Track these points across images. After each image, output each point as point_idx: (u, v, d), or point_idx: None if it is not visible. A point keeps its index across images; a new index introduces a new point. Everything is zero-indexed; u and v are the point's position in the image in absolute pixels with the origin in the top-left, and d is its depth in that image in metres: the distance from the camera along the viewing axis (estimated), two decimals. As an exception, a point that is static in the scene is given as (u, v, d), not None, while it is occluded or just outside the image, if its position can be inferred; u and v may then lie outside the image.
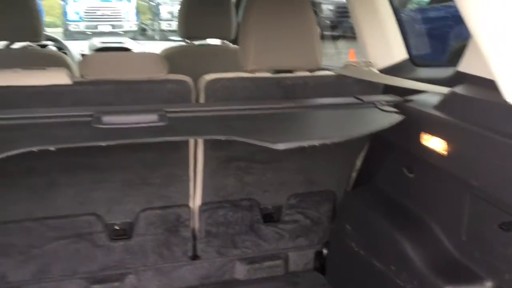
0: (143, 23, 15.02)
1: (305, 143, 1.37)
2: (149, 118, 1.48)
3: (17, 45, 2.83)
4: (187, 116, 1.58)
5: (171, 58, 2.76)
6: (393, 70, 2.04)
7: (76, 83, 1.66)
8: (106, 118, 1.45)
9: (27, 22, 2.54)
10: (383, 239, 1.74)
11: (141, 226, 1.93)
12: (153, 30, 14.27)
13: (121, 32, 13.19)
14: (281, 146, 1.31)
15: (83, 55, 4.08)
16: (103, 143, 1.33)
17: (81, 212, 1.83)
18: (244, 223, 2.05)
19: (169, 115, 1.51)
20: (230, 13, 2.87)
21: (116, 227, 1.93)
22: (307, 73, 1.92)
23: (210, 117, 1.64)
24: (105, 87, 1.68)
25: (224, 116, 1.65)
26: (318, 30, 1.96)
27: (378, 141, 1.94)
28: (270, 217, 2.11)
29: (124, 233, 1.94)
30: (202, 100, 1.79)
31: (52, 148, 1.24)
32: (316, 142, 1.37)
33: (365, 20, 2.12)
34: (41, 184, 1.72)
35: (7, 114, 1.46)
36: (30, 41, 2.83)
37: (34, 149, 1.22)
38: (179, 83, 1.76)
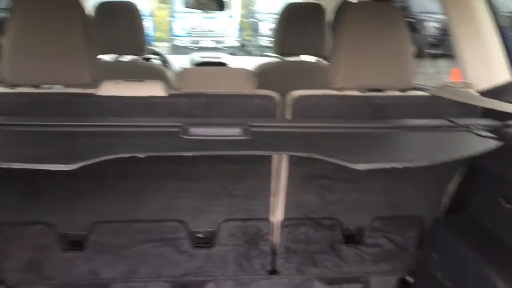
0: (243, 39, 15.53)
1: (387, 165, 1.32)
2: (234, 132, 1.52)
3: (125, 58, 3.08)
4: (271, 131, 1.60)
5: (264, 73, 2.84)
6: (494, 92, 1.90)
7: (170, 95, 1.75)
8: (193, 130, 1.51)
9: (133, 38, 2.76)
10: (472, 273, 1.62)
11: (223, 236, 1.97)
12: (253, 46, 14.68)
13: (223, 48, 13.73)
14: (361, 167, 1.28)
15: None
16: (188, 154, 1.39)
17: (168, 218, 1.92)
18: (325, 242, 2.02)
19: (253, 129, 1.54)
20: (323, 31, 2.88)
21: (199, 235, 1.99)
22: (398, 93, 1.85)
23: (294, 133, 1.64)
24: (197, 99, 1.76)
25: (309, 133, 1.65)
26: (414, 48, 1.89)
27: (474, 167, 1.82)
28: (352, 238, 2.06)
29: (206, 241, 1.99)
30: (288, 116, 1.80)
31: (141, 156, 1.32)
32: (399, 165, 1.32)
33: (465, 38, 2.00)
34: (133, 188, 1.84)
35: (107, 121, 1.58)
36: (135, 55, 3.06)
37: (126, 155, 1.31)
38: (266, 98, 1.78)
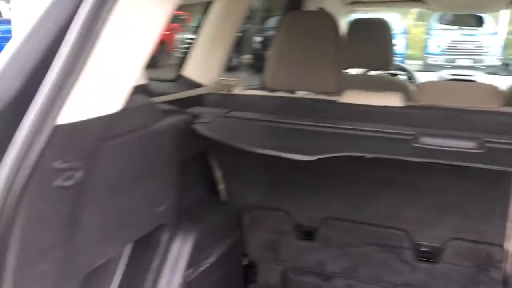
0: (508, 58, 14.03)
1: None
2: (467, 145, 1.49)
3: (372, 72, 3.24)
4: (510, 149, 1.51)
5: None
6: None
7: (407, 107, 1.81)
8: (425, 139, 1.54)
9: (381, 54, 2.89)
10: None
11: (449, 254, 1.92)
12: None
13: (481, 67, 12.70)
14: None
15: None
16: (415, 159, 1.43)
17: (392, 225, 1.97)
18: None
19: (489, 144, 1.48)
20: None
21: (424, 248, 1.98)
22: None
23: None
24: (434, 112, 1.77)
25: None
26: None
27: None
28: None
29: (431, 256, 1.97)
30: None
31: (370, 156, 1.43)
32: None
33: None
34: (362, 191, 1.95)
35: (345, 125, 1.74)
36: (382, 70, 3.18)
37: (357, 154, 1.44)
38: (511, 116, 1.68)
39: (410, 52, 14.70)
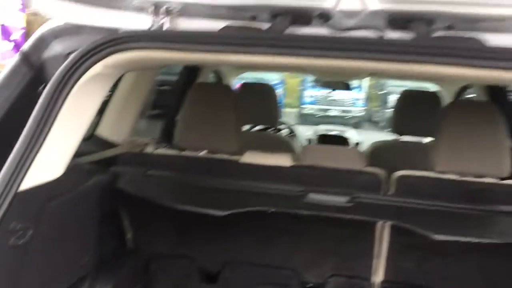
0: (370, 110, 15.83)
1: (464, 239, 1.59)
2: (341, 199, 1.90)
3: (258, 127, 3.66)
4: (374, 203, 1.95)
5: (378, 151, 3.19)
6: None
7: (293, 166, 2.20)
8: (310, 195, 1.93)
9: (268, 113, 3.32)
10: None
11: None
12: (379, 117, 14.90)
13: (349, 117, 14.18)
14: (439, 237, 1.57)
15: (308, 140, 4.84)
16: (304, 212, 1.80)
17: (284, 266, 2.31)
18: None
19: (357, 199, 1.91)
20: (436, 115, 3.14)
21: (310, 285, 2.34)
22: (496, 180, 2.08)
23: (394, 207, 1.97)
24: (314, 171, 2.18)
25: (408, 208, 1.96)
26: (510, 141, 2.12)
27: None
28: None
29: None
30: (392, 192, 2.12)
31: (271, 210, 1.77)
32: (476, 240, 1.58)
33: None
34: (261, 238, 2.27)
35: (246, 183, 2.07)
36: (268, 126, 3.61)
37: (264, 209, 1.76)
38: (373, 175, 2.14)
39: (287, 100, 15.81)
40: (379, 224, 2.13)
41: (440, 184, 2.10)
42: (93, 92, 1.44)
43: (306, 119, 14.12)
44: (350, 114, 14.49)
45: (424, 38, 1.37)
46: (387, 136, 3.68)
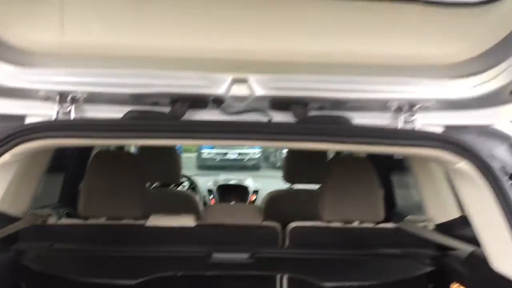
0: (266, 151, 16.45)
1: (349, 283, 1.85)
2: (242, 256, 2.09)
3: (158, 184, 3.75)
4: (271, 257, 2.17)
5: (273, 201, 3.45)
6: (448, 226, 2.44)
7: (197, 226, 2.35)
8: (214, 255, 2.09)
9: (170, 171, 3.45)
10: None
11: None
12: (275, 158, 15.56)
13: (246, 159, 14.63)
14: (328, 284, 1.81)
15: (209, 190, 5.01)
16: (209, 273, 1.96)
17: None
18: None
19: (257, 255, 2.11)
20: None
21: None
22: (373, 225, 2.41)
23: (290, 259, 2.20)
24: (216, 229, 2.35)
25: (301, 259, 2.20)
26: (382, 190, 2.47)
27: None
28: None
29: None
30: (287, 243, 2.36)
31: (179, 274, 1.89)
32: (357, 283, 1.85)
33: (424, 182, 2.59)
34: None
35: (153, 247, 2.18)
36: (170, 182, 3.73)
37: (173, 273, 1.88)
38: (269, 229, 2.36)
39: (186, 146, 15.89)
40: (278, 276, 2.34)
41: (327, 232, 2.38)
42: (2, 177, 1.49)
43: (205, 163, 14.31)
44: (248, 157, 14.94)
45: (301, 119, 1.63)
46: (283, 181, 3.92)
